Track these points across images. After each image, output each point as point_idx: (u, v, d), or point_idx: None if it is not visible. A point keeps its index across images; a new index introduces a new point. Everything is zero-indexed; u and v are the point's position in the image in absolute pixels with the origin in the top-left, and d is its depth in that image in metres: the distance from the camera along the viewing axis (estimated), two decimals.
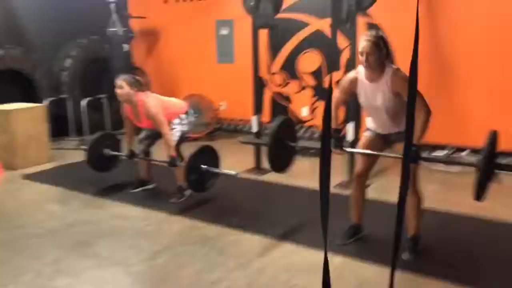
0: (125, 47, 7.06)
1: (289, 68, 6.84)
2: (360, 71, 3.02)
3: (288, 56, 6.84)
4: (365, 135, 3.23)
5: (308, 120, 6.87)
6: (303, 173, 5.01)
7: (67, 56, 7.13)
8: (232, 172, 4.09)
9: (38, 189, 4.85)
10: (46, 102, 6.31)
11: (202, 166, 3.99)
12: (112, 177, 4.96)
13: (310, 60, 6.64)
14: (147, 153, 4.52)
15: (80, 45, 7.20)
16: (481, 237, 3.39)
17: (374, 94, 2.94)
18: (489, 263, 2.98)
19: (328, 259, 2.97)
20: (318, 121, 6.78)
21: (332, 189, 4.49)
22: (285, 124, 3.42)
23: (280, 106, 7.02)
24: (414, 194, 2.99)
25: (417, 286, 2.73)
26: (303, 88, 6.79)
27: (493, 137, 2.61)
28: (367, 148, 3.16)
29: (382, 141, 3.17)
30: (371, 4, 4.40)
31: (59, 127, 6.80)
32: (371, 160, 3.18)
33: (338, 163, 5.07)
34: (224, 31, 7.37)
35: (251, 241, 3.38)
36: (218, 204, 4.23)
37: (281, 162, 3.46)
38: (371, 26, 5.68)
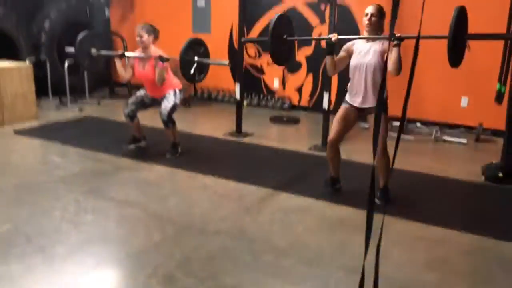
0: (107, 12, 7.27)
1: (263, 42, 7.34)
2: (356, 41, 3.63)
3: (262, 31, 7.33)
4: (342, 107, 3.80)
5: (279, 91, 7.45)
6: (278, 137, 5.60)
7: (46, 18, 7.25)
8: (225, 62, 4.62)
9: (34, 143, 5.15)
10: (28, 62, 6.48)
11: (196, 58, 4.50)
12: (102, 135, 5.35)
13: None
14: (132, 116, 4.81)
15: (59, 7, 7.33)
16: (431, 189, 4.13)
17: (367, 52, 3.50)
18: (435, 206, 3.71)
19: (313, 201, 3.62)
20: (287, 92, 7.37)
21: (310, 151, 5.14)
22: (283, 20, 3.77)
23: (254, 77, 7.55)
24: (384, 154, 3.62)
25: (386, 224, 3.41)
26: None
27: (458, 10, 2.89)
28: (343, 117, 3.72)
29: (356, 114, 3.73)
30: None
31: (37, 87, 6.96)
32: (344, 129, 3.75)
33: (315, 127, 5.73)
34: (200, 3, 7.72)
35: (249, 190, 3.94)
36: (210, 161, 4.74)
37: (281, 56, 3.82)
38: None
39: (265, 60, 7.42)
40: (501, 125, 5.74)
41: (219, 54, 7.65)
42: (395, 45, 3.24)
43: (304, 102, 7.28)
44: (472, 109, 5.93)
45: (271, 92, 7.51)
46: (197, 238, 3.05)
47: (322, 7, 6.75)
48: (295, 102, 7.34)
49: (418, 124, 6.05)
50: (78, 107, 6.91)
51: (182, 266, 2.68)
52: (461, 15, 2.89)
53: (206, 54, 4.71)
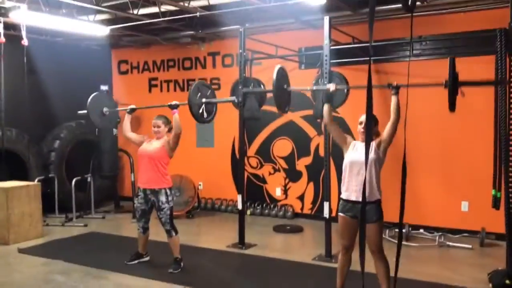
0: (115, 131, 7.67)
1: (264, 153, 7.64)
2: (354, 140, 3.84)
3: (262, 143, 7.66)
4: (340, 217, 3.80)
5: (281, 200, 7.57)
6: (282, 248, 5.59)
7: (56, 138, 7.64)
8: (231, 98, 5.36)
9: (37, 262, 5.15)
10: (36, 181, 6.71)
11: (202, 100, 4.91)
12: (105, 252, 5.37)
13: (283, 146, 7.49)
14: (145, 229, 4.98)
15: (69, 127, 7.76)
16: None
17: (361, 153, 3.60)
18: None
19: None
20: (290, 201, 7.49)
21: (314, 261, 5.11)
22: (281, 72, 4.41)
23: (256, 185, 7.72)
24: (382, 258, 3.63)
25: None
26: (277, 170, 7.57)
27: (452, 63, 3.32)
28: (345, 229, 3.78)
29: (355, 222, 3.80)
30: (340, 104, 5.32)
31: (44, 204, 7.13)
32: (353, 237, 3.80)
33: (318, 235, 5.70)
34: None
35: None
36: (210, 276, 4.71)
37: (283, 102, 4.50)
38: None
39: (266, 170, 7.64)
40: (504, 229, 5.77)
41: (222, 166, 7.94)
42: (393, 94, 3.57)
43: (307, 209, 7.35)
44: (473, 213, 5.97)
45: (274, 201, 7.62)
46: None
47: (319, 120, 7.11)
48: (298, 210, 7.41)
49: (421, 230, 6.06)
50: (83, 223, 6.99)
51: None
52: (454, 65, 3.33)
53: (212, 95, 5.00)
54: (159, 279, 4.52)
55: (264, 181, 7.70)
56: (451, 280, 4.42)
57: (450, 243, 5.63)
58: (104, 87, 7.55)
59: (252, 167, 7.75)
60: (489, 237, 5.70)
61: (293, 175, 7.43)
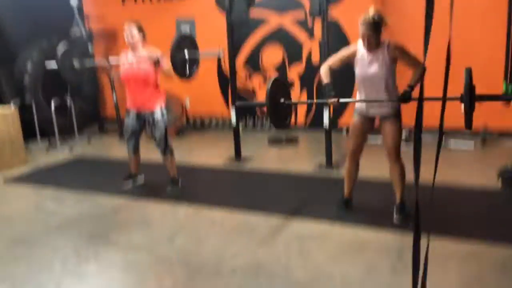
0: (90, 47, 7.11)
1: (252, 63, 7.21)
2: (359, 45, 3.40)
3: (250, 53, 7.20)
4: (353, 122, 3.64)
5: None
6: (280, 160, 5.41)
7: (28, 60, 7.06)
8: (215, 52, 4.48)
9: (26, 191, 4.89)
10: (13, 105, 6.26)
11: (185, 52, 4.36)
12: (96, 175, 5.12)
13: (273, 54, 7.06)
14: (136, 149, 4.69)
15: (40, 48, 7.15)
16: (449, 200, 3.94)
17: (371, 63, 3.33)
18: (458, 219, 3.51)
19: (329, 226, 3.40)
20: None
21: (315, 172, 4.94)
22: (277, 84, 3.68)
23: (246, 99, 7.38)
24: (397, 162, 3.45)
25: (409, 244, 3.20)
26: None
27: (469, 73, 3.02)
28: (356, 130, 3.58)
29: (370, 124, 3.60)
30: None
31: (25, 130, 6.75)
32: (363, 140, 3.62)
33: (316, 146, 5.52)
34: (185, 30, 7.59)
35: (258, 219, 3.72)
36: (213, 192, 4.52)
37: (280, 120, 3.75)
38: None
39: (256, 82, 7.27)
40: (507, 126, 5.64)
41: (208, 81, 7.51)
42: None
43: (300, 121, 7.11)
44: (475, 111, 5.77)
45: (265, 114, 7.34)
46: (212, 280, 2.80)
47: (310, 23, 6.64)
48: (291, 121, 7.16)
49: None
50: (68, 147, 6.67)
51: None
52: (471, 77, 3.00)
53: (195, 46, 4.56)
54: (157, 200, 4.31)
55: (254, 93, 7.35)
56: (459, 180, 4.32)
57: (452, 144, 5.51)
58: (73, 1, 6.86)
59: (240, 79, 7.35)
60: (490, 136, 5.57)
61: None
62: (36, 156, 6.29)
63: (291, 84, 6.98)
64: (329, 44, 4.81)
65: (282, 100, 3.66)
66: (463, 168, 4.78)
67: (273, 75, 7.09)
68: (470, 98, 2.94)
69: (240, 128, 7.23)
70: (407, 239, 3.20)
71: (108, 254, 3.25)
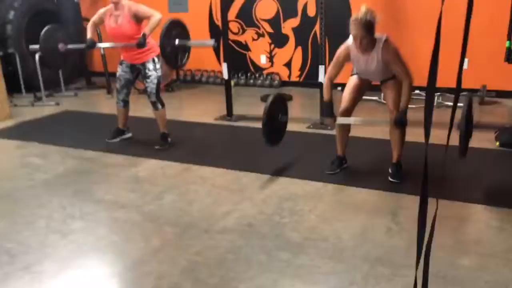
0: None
1: (245, 16, 6.93)
2: (350, 44, 3.23)
3: (243, 4, 6.91)
4: (351, 78, 3.51)
5: (267, 68, 7.08)
6: None
7: (10, 8, 6.71)
8: (209, 42, 4.27)
9: (10, 145, 4.73)
10: None
11: (176, 40, 4.14)
12: (82, 129, 4.99)
13: (267, 7, 6.77)
14: (126, 102, 4.53)
15: None
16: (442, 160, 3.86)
17: (368, 63, 3.23)
18: (452, 180, 3.43)
19: (322, 185, 3.31)
20: (276, 68, 7.00)
21: (309, 129, 4.82)
22: (278, 100, 3.68)
23: (238, 54, 7.15)
24: None
25: (405, 205, 3.13)
26: (261, 35, 6.94)
27: (469, 102, 3.01)
28: (355, 86, 3.45)
29: (368, 82, 3.48)
30: None
31: (8, 83, 6.51)
32: (357, 98, 3.49)
33: (310, 102, 5.37)
34: None
35: (249, 177, 3.62)
36: (203, 150, 4.39)
37: (275, 137, 3.69)
38: None
39: (249, 36, 7.02)
40: (506, 85, 5.51)
41: (199, 34, 7.21)
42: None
43: (294, 77, 6.93)
44: (473, 71, 5.62)
45: (259, 69, 7.13)
46: (201, 239, 2.72)
47: None
48: (285, 78, 6.98)
49: (417, 91, 5.76)
50: (54, 101, 6.45)
51: (189, 274, 2.37)
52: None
53: (186, 35, 4.32)
54: (146, 156, 4.18)
55: (247, 48, 7.11)
56: (455, 140, 4.21)
57: (449, 103, 5.39)
58: None
59: (233, 33, 7.09)
60: (489, 95, 5.45)
61: (279, 39, 6.85)
62: (21, 110, 6.09)
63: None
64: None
65: (279, 117, 3.66)
66: None
67: (267, 29, 6.84)
68: (467, 127, 2.92)
69: (232, 84, 7.06)
70: (403, 200, 3.14)
71: (94, 211, 3.15)
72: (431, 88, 1.20)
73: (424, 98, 5.84)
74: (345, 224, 2.83)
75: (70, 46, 4.66)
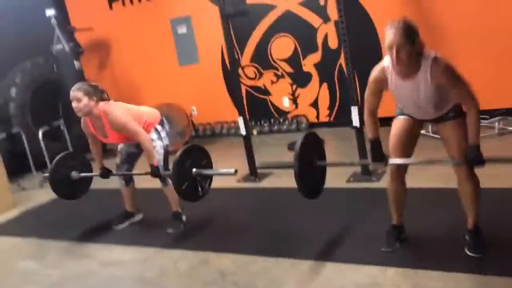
0: (76, 64, 6.30)
1: (261, 58, 6.29)
2: (386, 66, 2.44)
3: (256, 46, 6.28)
4: (395, 121, 2.71)
5: (291, 111, 6.35)
6: None
7: (12, 85, 6.31)
8: (230, 170, 3.41)
9: (5, 244, 4.12)
10: None
11: (193, 170, 3.35)
12: (90, 214, 4.33)
13: (283, 46, 6.11)
14: (128, 180, 3.88)
15: (24, 70, 6.38)
16: None
17: (412, 93, 2.41)
18: None
19: (379, 271, 2.46)
20: (301, 110, 6.27)
21: (348, 183, 4.03)
22: (310, 140, 2.88)
23: (258, 100, 6.47)
24: (470, 176, 2.50)
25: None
26: (280, 77, 6.27)
27: None
28: (404, 130, 2.64)
29: (420, 124, 2.67)
30: None
31: (17, 164, 6.04)
32: (408, 147, 2.67)
33: (345, 145, 4.56)
34: (181, 30, 6.72)
35: (282, 267, 2.81)
36: (223, 227, 3.63)
37: (313, 186, 2.94)
38: None
39: (267, 79, 6.34)
40: None
41: (213, 85, 6.63)
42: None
43: (323, 117, 6.15)
44: None
45: (282, 114, 6.41)
46: None
47: (322, 1, 5.66)
48: (313, 119, 6.21)
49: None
50: None
51: None
52: None
53: (208, 165, 3.55)
54: (155, 246, 3.45)
55: (267, 92, 6.42)
56: None
57: None
58: (50, 11, 6.06)
59: (249, 78, 6.43)
60: None
61: (300, 79, 6.11)
62: (28, 194, 5.54)
63: (308, 76, 6.04)
64: (347, 23, 3.86)
65: (314, 161, 2.88)
66: None
67: (286, 69, 6.16)
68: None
69: (255, 133, 6.36)
70: (492, 285, 2.26)
71: None
72: None
73: (482, 124, 4.90)
74: None
75: (83, 175, 4.05)
